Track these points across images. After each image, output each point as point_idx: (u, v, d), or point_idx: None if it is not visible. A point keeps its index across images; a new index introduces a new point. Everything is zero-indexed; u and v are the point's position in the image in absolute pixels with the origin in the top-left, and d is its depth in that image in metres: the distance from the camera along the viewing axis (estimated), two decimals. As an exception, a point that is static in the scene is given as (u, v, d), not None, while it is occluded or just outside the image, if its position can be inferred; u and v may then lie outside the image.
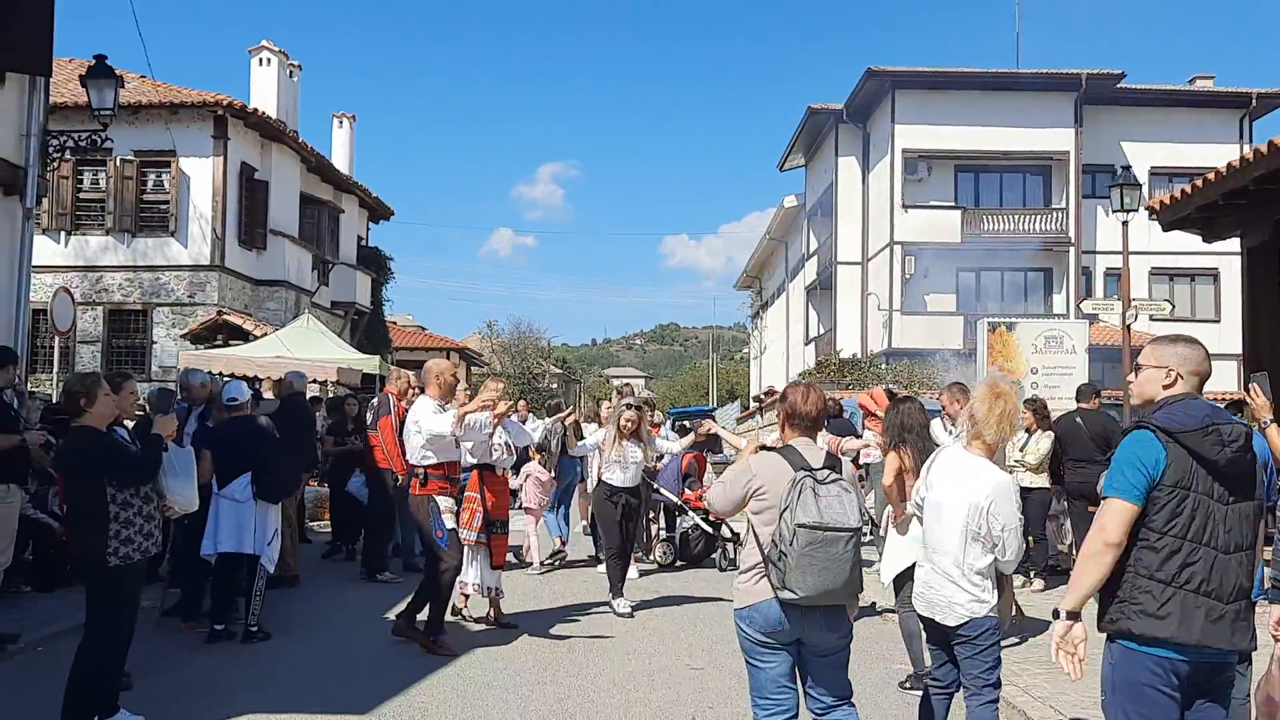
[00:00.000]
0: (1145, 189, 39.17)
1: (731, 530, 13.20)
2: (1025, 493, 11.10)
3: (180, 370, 14.08)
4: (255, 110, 25.60)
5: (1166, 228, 10.73)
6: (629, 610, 9.91)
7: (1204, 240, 11.05)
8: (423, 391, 8.63)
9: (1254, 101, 37.96)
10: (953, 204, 37.46)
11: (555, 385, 63.97)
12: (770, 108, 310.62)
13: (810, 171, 45.03)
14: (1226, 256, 37.43)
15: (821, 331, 42.73)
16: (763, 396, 40.26)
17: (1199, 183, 9.62)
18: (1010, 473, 11.66)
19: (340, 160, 32.84)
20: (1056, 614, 3.98)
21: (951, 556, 4.98)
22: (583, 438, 11.99)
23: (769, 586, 4.52)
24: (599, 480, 10.59)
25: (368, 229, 35.05)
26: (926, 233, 36.40)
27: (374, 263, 33.45)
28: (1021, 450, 11.34)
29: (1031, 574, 11.26)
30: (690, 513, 13.14)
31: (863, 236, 39.10)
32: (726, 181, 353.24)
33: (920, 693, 7.35)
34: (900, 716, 6.80)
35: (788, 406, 4.82)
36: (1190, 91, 39.15)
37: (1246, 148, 38.32)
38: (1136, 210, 15.16)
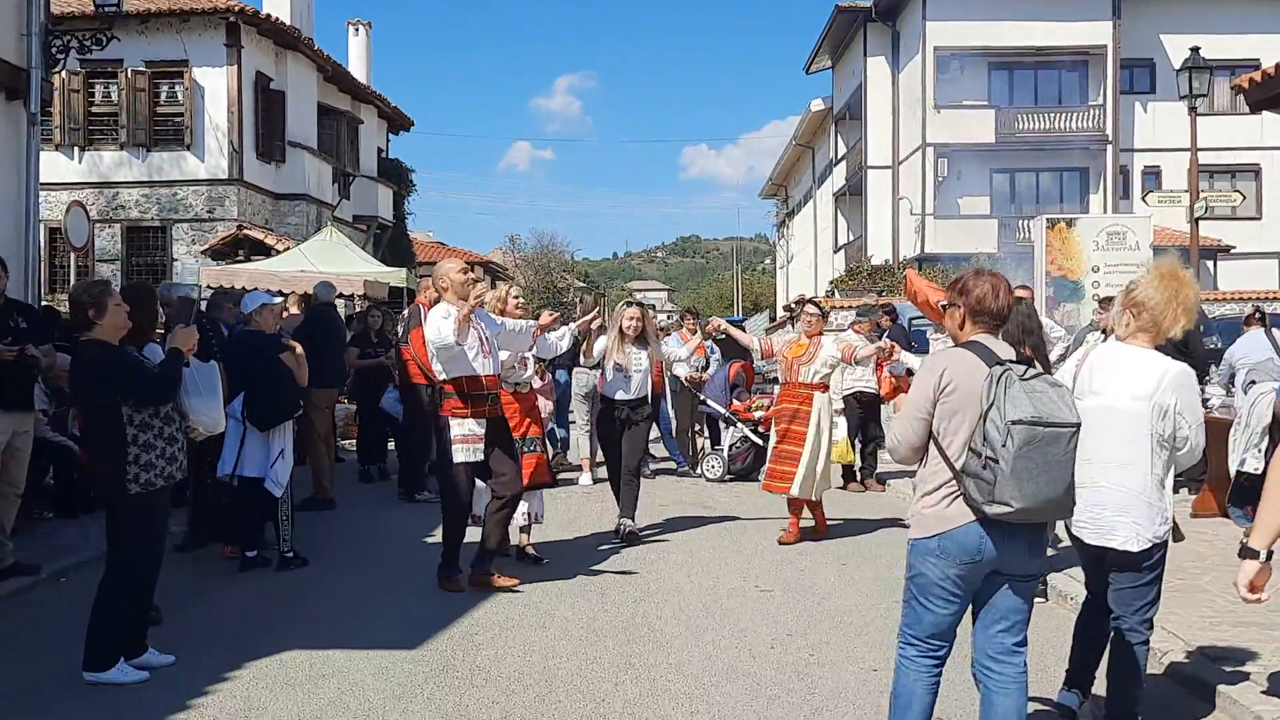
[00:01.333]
0: (1186, 81, 38.15)
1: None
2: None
3: (162, 285, 13.40)
4: (268, 16, 24.77)
5: (1255, 107, 9.94)
6: (634, 528, 9.01)
7: (1294, 122, 10.24)
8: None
9: (1300, -12, 36.43)
10: (986, 103, 36.28)
11: (579, 299, 63.35)
12: (793, 9, 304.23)
13: (837, 74, 43.74)
14: (1269, 152, 36.40)
15: (851, 238, 41.81)
16: (793, 305, 39.54)
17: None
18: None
19: (357, 69, 31.89)
20: (1245, 552, 3.55)
21: (1137, 470, 4.31)
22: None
23: (965, 508, 3.78)
24: (599, 392, 9.58)
25: (388, 140, 34.23)
26: (959, 134, 35.31)
27: (395, 175, 32.67)
28: (1094, 352, 10.66)
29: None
30: (739, 424, 12.54)
31: (893, 139, 38.01)
32: (747, 90, 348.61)
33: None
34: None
35: (974, 301, 3.96)
36: (1232, -21, 37.60)
37: (1293, 38, 37.08)
38: (1206, 95, 14.32)
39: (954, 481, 3.81)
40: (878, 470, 12.14)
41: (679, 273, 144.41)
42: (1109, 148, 35.67)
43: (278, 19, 25.12)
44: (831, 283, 38.75)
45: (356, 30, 33.26)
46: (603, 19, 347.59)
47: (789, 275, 55.87)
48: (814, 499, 9.06)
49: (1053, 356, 11.25)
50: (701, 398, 12.69)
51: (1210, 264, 34.61)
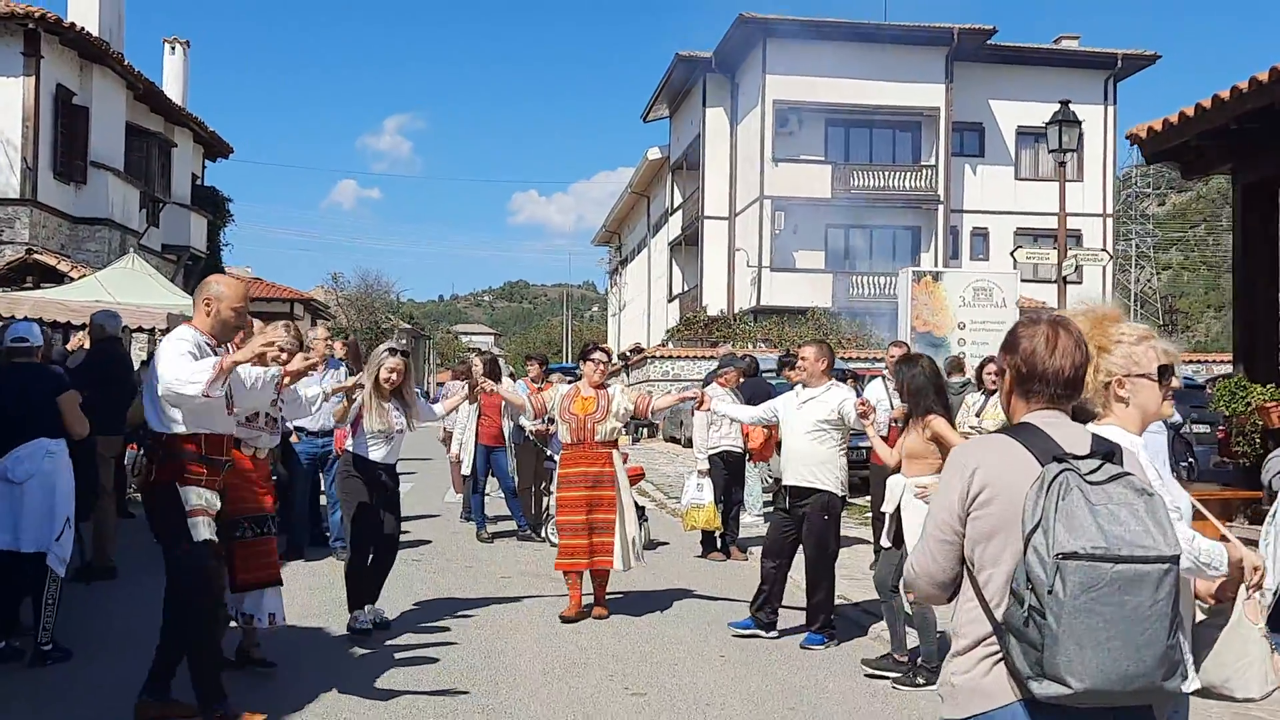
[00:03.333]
0: (1012, 148, 39.15)
1: (636, 505, 11.49)
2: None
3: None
4: (73, 25, 22.67)
5: (1151, 159, 9.42)
6: (369, 625, 7.35)
7: (1183, 176, 9.78)
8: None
9: (1119, 63, 37.92)
10: (823, 159, 36.46)
11: (405, 341, 61.43)
12: (630, 56, 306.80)
13: (675, 123, 43.54)
14: (1088, 218, 37.49)
15: (686, 288, 41.40)
16: (629, 354, 38.75)
17: (1206, 102, 8.26)
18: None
19: (172, 90, 29.79)
20: None
21: None
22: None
23: (1008, 677, 2.52)
24: (345, 452, 7.52)
25: (203, 167, 32.11)
26: (796, 188, 35.36)
27: (210, 204, 30.57)
28: (979, 414, 9.92)
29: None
30: (589, 484, 11.38)
31: (730, 191, 37.81)
32: (579, 139, 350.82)
33: (905, 684, 6.38)
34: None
35: (1020, 359, 2.72)
36: (1058, 51, 38.90)
37: (1111, 109, 38.44)
38: (1074, 150, 13.99)
39: (993, 638, 2.58)
40: (739, 537, 11.14)
41: (506, 317, 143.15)
42: (940, 208, 36.17)
43: (83, 29, 23.03)
44: (667, 332, 38.18)
45: (173, 49, 31.16)
46: (435, 59, 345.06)
47: (620, 323, 55.24)
48: (631, 566, 8.10)
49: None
50: (548, 453, 11.50)
51: (1036, 325, 35.26)
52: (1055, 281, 34.69)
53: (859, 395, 8.89)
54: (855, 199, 35.50)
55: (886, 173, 36.53)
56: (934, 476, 6.50)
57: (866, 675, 6.61)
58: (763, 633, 7.48)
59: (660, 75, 40.46)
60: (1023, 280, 33.03)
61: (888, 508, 6.86)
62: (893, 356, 10.21)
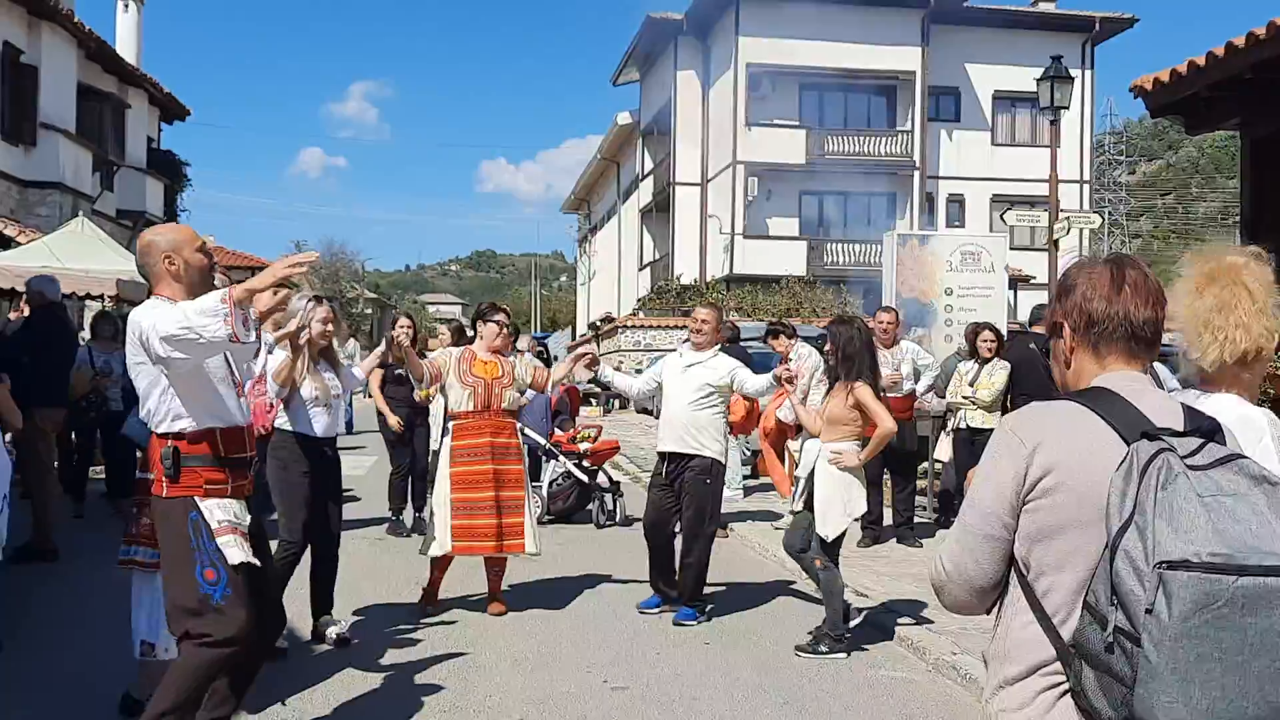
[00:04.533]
0: (988, 113, 38.63)
1: (610, 479, 10.99)
2: (974, 435, 9.30)
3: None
4: (19, -20, 21.77)
5: (1156, 112, 8.91)
6: (342, 630, 6.38)
7: (1187, 130, 9.27)
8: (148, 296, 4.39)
9: (1097, 26, 37.45)
10: (798, 123, 35.84)
11: (370, 311, 60.69)
12: (599, 25, 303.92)
13: (646, 87, 42.74)
14: (1065, 184, 36.84)
15: (657, 256, 40.78)
16: (599, 324, 38.19)
17: (1219, 50, 7.73)
18: (955, 412, 9.82)
19: (126, 49, 28.77)
20: None
21: None
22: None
23: (1078, 715, 1.94)
24: (273, 431, 6.29)
25: (159, 130, 31.16)
26: (770, 153, 34.79)
27: (167, 168, 29.65)
28: (972, 384, 9.44)
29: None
30: (561, 457, 10.85)
31: (702, 156, 37.12)
32: (547, 104, 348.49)
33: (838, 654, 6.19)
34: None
35: (1081, 300, 2.14)
36: (1034, 13, 38.31)
37: (1088, 74, 37.97)
38: (1067, 107, 13.50)
39: (1057, 664, 2.00)
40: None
41: (473, 287, 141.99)
42: (916, 174, 35.67)
43: (30, -17, 22.14)
44: (639, 301, 37.61)
45: (126, 6, 30.05)
46: (402, 24, 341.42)
47: (590, 292, 54.58)
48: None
49: (920, 387, 9.99)
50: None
51: (1012, 294, 34.80)
52: (1045, 247, 34.78)
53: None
54: (830, 165, 34.93)
55: (862, 138, 35.99)
56: (852, 444, 6.42)
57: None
58: (669, 609, 7.23)
59: (630, 38, 39.72)
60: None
61: (801, 472, 6.69)
62: (881, 323, 9.69)
